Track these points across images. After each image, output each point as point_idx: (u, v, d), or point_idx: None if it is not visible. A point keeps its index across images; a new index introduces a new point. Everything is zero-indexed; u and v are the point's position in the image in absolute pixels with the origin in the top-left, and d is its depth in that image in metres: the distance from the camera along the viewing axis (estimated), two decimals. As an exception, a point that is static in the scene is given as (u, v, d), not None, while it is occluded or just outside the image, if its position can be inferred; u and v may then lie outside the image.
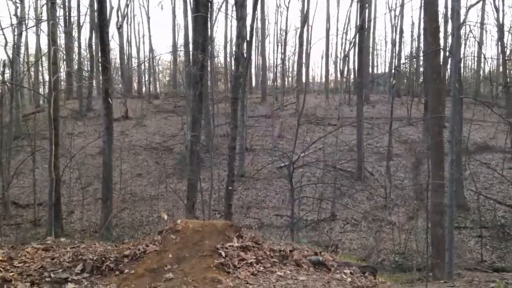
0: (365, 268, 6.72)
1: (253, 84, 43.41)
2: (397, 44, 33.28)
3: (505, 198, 18.93)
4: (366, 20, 26.96)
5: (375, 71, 45.07)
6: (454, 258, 9.55)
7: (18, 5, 26.98)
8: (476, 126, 25.09)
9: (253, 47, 33.73)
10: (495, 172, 20.13)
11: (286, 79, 41.83)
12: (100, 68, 18.88)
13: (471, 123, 22.94)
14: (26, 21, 25.75)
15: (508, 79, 29.64)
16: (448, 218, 8.24)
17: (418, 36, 34.61)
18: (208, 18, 14.85)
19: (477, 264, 15.00)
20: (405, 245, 16.24)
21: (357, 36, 24.07)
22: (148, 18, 48.41)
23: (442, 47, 18.67)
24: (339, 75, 38.16)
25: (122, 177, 20.62)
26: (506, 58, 30.36)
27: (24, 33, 29.26)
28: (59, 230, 15.51)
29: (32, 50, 38.15)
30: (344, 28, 41.19)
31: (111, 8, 34.27)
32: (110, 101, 15.53)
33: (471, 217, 17.94)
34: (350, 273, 6.17)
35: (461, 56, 24.54)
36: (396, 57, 34.41)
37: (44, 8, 22.31)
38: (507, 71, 30.49)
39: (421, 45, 32.30)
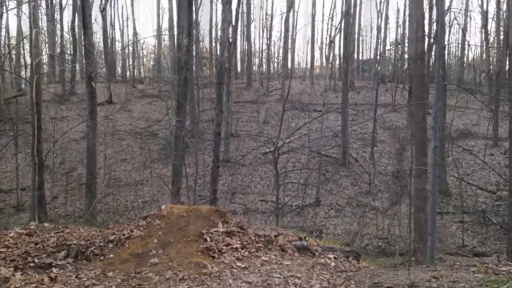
0: (348, 252, 6.81)
1: (239, 69, 43.20)
2: (382, 30, 33.44)
3: (486, 184, 19.27)
4: (352, 6, 26.90)
5: (360, 57, 45.15)
6: (436, 243, 9.71)
7: (-2, -14, 26.37)
8: (459, 112, 25.39)
9: (239, 32, 33.51)
10: (477, 158, 20.45)
11: (271, 64, 41.74)
12: (83, 51, 18.61)
13: (454, 109, 23.21)
14: (7, 2, 25.16)
15: (491, 66, 29.94)
16: (431, 203, 8.35)
17: (403, 23, 34.77)
18: (193, 2, 14.69)
19: (458, 248, 15.29)
20: (388, 230, 16.48)
21: (343, 22, 24.04)
22: (132, 1, 47.74)
23: (426, 34, 18.75)
24: (324, 61, 38.19)
25: (106, 162, 20.46)
26: (489, 45, 30.66)
27: (4, 15, 28.72)
28: (42, 215, 15.37)
29: (13, 32, 37.43)
30: (329, 13, 41.15)
31: (94, -10, 33.69)
32: (94, 85, 15.35)
33: (453, 202, 18.25)
34: (334, 257, 6.25)
35: (445, 43, 24.69)
36: (381, 43, 34.56)
37: (25, -11, 21.82)
38: (490, 58, 30.75)
39: (406, 31, 32.48)
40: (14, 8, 29.27)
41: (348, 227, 17.37)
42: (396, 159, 21.82)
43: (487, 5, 29.51)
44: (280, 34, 39.12)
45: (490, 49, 29.51)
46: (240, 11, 21.62)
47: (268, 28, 37.35)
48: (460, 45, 37.71)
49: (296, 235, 6.95)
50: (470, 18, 37.04)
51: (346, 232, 17.02)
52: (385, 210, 17.84)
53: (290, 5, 31.45)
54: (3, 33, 30.00)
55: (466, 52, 38.62)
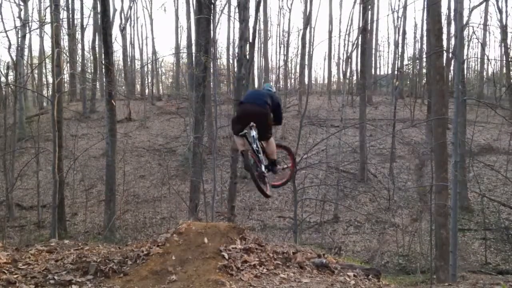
0: (368, 270, 6.70)
1: (256, 85, 43.37)
2: (400, 45, 33.22)
3: (509, 200, 18.87)
4: (369, 21, 26.94)
5: (378, 72, 44.97)
6: (458, 260, 9.52)
7: (22, 7, 27.11)
8: (479, 127, 25.03)
9: (256, 48, 33.67)
10: (499, 174, 20.06)
11: (288, 80, 41.87)
12: (103, 70, 18.96)
13: (474, 124, 22.88)
14: (30, 23, 25.80)
15: (511, 81, 29.53)
16: (452, 220, 8.22)
17: (421, 38, 34.58)
18: (211, 20, 14.86)
19: (481, 266, 14.95)
20: (408, 247, 16.21)
21: (360, 37, 24.04)
22: (151, 20, 48.73)
23: (445, 49, 18.62)
24: (341, 77, 38.15)
25: (125, 178, 20.64)
26: (509, 59, 30.26)
27: (27, 36, 29.44)
28: (62, 232, 15.56)
29: (35, 52, 38.38)
30: (346, 29, 41.11)
31: (115, 10, 34.45)
32: (114, 103, 15.59)
33: (475, 219, 17.89)
34: (354, 275, 6.15)
35: (464, 57, 24.47)
36: (399, 58, 34.32)
37: (48, 10, 22.35)
38: (511, 72, 30.34)
39: (424, 46, 32.28)
40: (36, 29, 30.04)
41: (367, 244, 17.13)
42: (415, 175, 21.54)
43: (507, 19, 29.22)
44: (297, 51, 39.25)
45: (510, 63, 29.11)
46: (257, 28, 21.83)
47: (285, 45, 37.54)
48: (479, 60, 37.39)
49: (315, 252, 6.88)
50: (489, 33, 36.57)
51: (365, 249, 16.79)
52: (405, 227, 17.57)
53: (307, 21, 31.57)
54: (26, 53, 30.68)
55: (485, 66, 38.23)
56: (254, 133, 5.37)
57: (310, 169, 20.12)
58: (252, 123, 5.31)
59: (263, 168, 5.59)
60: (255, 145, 5.44)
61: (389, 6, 53.49)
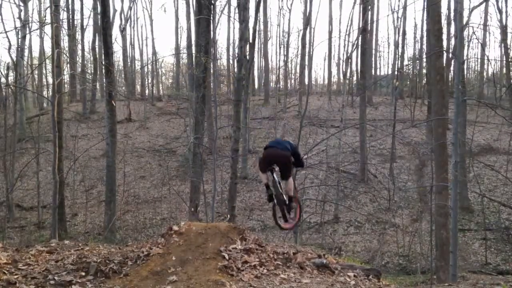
0: (369, 270, 6.70)
1: (256, 86, 43.42)
2: (400, 46, 33.20)
3: (509, 200, 18.86)
4: (369, 22, 26.95)
5: (378, 73, 44.98)
6: (458, 260, 9.52)
7: (22, 8, 27.12)
8: (479, 128, 25.03)
9: (256, 49, 33.78)
10: (499, 174, 20.06)
11: (288, 81, 41.90)
12: (103, 70, 18.96)
13: (474, 125, 22.89)
14: (30, 24, 25.84)
15: (511, 81, 29.53)
16: (452, 220, 8.22)
17: (421, 38, 34.58)
18: (211, 21, 14.87)
19: (482, 266, 14.94)
20: (409, 248, 16.20)
21: (360, 38, 24.05)
22: (151, 20, 48.92)
23: (445, 49, 18.63)
24: (341, 77, 38.15)
25: (125, 179, 20.64)
26: (509, 59, 30.26)
27: (27, 36, 29.43)
28: (63, 233, 15.56)
29: (35, 53, 38.42)
30: (346, 30, 41.14)
31: (115, 11, 34.47)
32: (114, 103, 15.58)
33: (475, 219, 17.88)
34: (354, 275, 6.15)
35: (464, 57, 24.47)
36: (399, 59, 34.31)
37: (48, 11, 22.40)
38: (511, 72, 30.33)
39: (424, 47, 32.30)
40: (37, 30, 30.06)
41: (367, 244, 17.13)
42: (416, 175, 21.53)
43: (506, 19, 29.22)
44: (297, 51, 39.31)
45: (510, 63, 29.11)
46: (257, 29, 21.85)
47: (285, 45, 37.59)
48: (479, 60, 37.39)
49: (315, 253, 6.88)
50: (489, 33, 36.59)
51: (365, 249, 16.79)
52: (405, 227, 17.57)
53: (307, 22, 31.61)
54: (26, 54, 30.70)
55: (485, 66, 38.22)
56: (276, 171, 6.49)
57: (310, 170, 20.11)
58: (275, 164, 6.42)
59: (284, 197, 6.50)
60: (277, 181, 6.44)
61: (389, 7, 53.56)
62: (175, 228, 6.53)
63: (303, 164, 7.21)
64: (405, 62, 36.43)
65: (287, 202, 6.56)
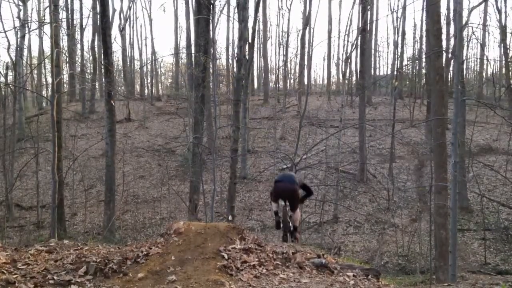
0: (368, 270, 6.69)
1: (255, 86, 43.46)
2: (399, 46, 33.22)
3: (508, 200, 18.87)
4: (368, 22, 26.95)
5: (377, 73, 45.02)
6: (457, 260, 9.52)
7: (21, 7, 27.12)
8: (479, 128, 25.05)
9: (255, 49, 33.79)
10: (499, 174, 20.07)
11: (288, 81, 41.89)
12: (102, 70, 18.95)
13: (474, 125, 22.90)
14: (29, 23, 25.84)
15: (510, 81, 29.56)
16: (452, 220, 8.22)
17: (420, 38, 34.62)
18: (210, 20, 14.86)
19: (481, 266, 14.94)
20: (408, 248, 16.21)
21: (359, 38, 24.06)
22: (151, 20, 48.77)
23: (444, 49, 18.65)
24: (341, 77, 38.18)
25: (124, 179, 20.63)
26: (508, 59, 30.29)
27: (27, 36, 29.46)
28: (62, 232, 15.53)
29: (35, 52, 38.49)
30: (346, 30, 41.15)
31: (114, 10, 34.45)
32: (113, 103, 15.58)
33: (474, 219, 17.89)
34: (353, 275, 6.15)
35: (464, 57, 24.50)
36: (398, 59, 34.34)
37: (47, 10, 22.39)
38: (510, 72, 30.36)
39: (424, 47, 32.32)
40: (36, 29, 30.08)
41: (367, 244, 17.13)
42: (415, 175, 21.55)
43: (506, 19, 29.36)
44: (297, 51, 39.41)
45: (510, 63, 29.13)
46: (256, 29, 21.86)
47: (285, 45, 37.64)
48: (478, 60, 37.43)
49: (314, 253, 6.87)
50: (488, 33, 36.66)
51: (365, 249, 16.79)
52: (404, 227, 17.57)
53: (306, 22, 31.65)
54: (25, 53, 30.69)
55: (485, 66, 38.27)
56: (285, 203, 7.34)
57: (309, 170, 20.14)
58: (284, 196, 7.30)
59: (290, 225, 7.38)
60: (287, 210, 7.29)
61: (388, 7, 53.61)
62: (175, 227, 6.53)
63: (312, 192, 8.47)
64: (405, 62, 36.45)
65: (291, 229, 7.40)
